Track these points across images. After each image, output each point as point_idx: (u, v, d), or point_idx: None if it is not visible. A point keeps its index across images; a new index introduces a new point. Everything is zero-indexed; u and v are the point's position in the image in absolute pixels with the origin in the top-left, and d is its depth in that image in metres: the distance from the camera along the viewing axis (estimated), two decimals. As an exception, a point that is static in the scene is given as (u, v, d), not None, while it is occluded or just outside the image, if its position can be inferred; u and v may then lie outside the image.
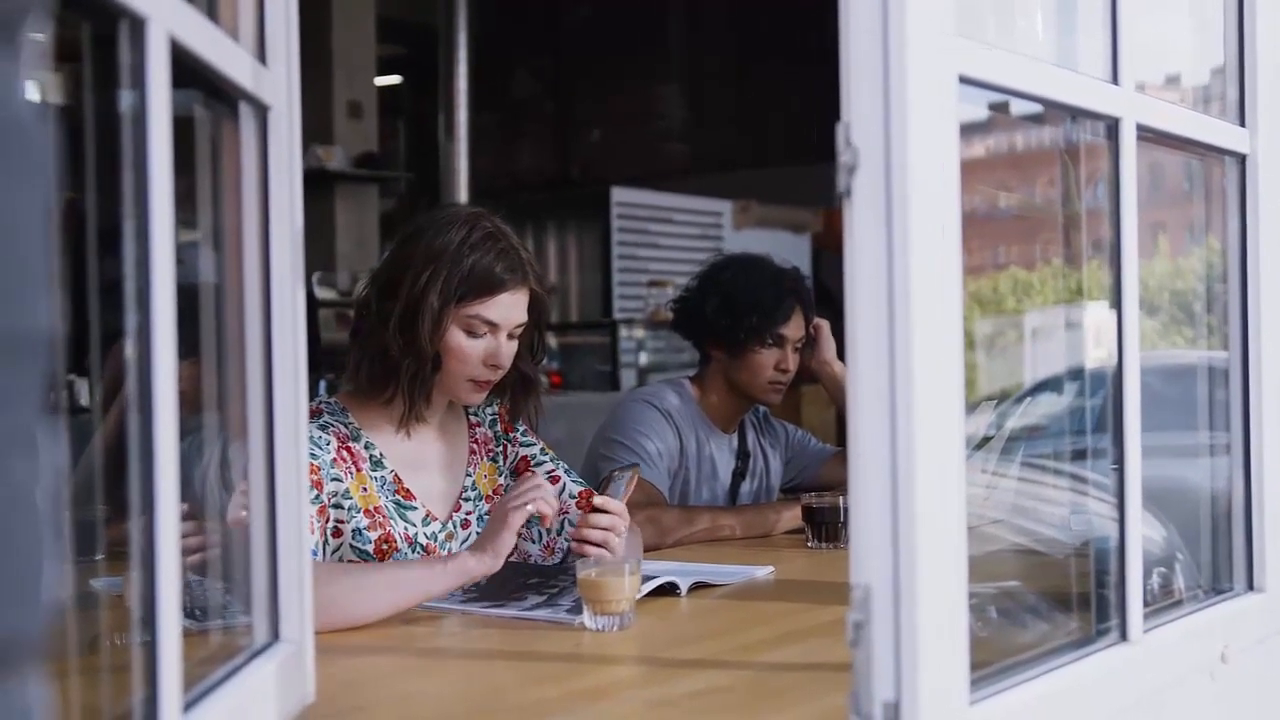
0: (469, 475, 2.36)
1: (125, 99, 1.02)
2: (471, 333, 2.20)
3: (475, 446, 2.39)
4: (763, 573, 2.36)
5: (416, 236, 2.22)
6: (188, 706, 1.10)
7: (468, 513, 2.34)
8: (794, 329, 3.03)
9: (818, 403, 6.57)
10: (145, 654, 1.02)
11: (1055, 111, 1.61)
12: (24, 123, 0.57)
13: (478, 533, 2.30)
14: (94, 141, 1.07)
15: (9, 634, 0.56)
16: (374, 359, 2.22)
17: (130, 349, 1.02)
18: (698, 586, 2.20)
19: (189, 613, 1.25)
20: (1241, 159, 1.83)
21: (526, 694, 1.59)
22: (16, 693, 0.56)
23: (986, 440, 2.15)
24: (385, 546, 2.18)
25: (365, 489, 2.20)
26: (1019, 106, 1.54)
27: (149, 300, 1.01)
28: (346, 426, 2.23)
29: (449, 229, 2.20)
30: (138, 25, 1.00)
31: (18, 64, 0.57)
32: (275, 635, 1.38)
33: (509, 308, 2.22)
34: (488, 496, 2.37)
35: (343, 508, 2.15)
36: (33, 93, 0.59)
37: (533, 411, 2.38)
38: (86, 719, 1.19)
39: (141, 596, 1.02)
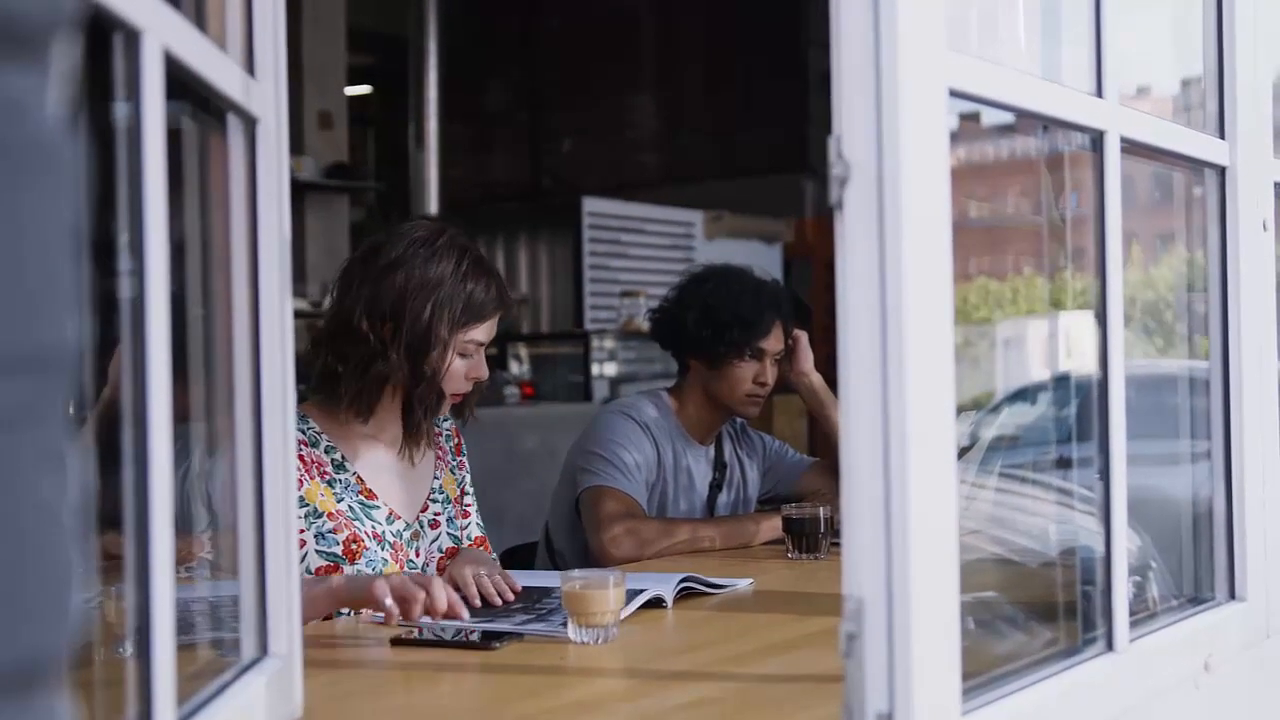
0: (436, 478, 2.44)
1: (119, 110, 1.01)
2: (463, 355, 2.31)
3: (440, 452, 2.48)
4: (744, 584, 2.36)
5: (402, 264, 2.26)
6: (180, 723, 1.09)
7: (435, 513, 2.42)
8: (774, 342, 3.03)
9: (789, 412, 6.58)
10: (139, 669, 1.01)
11: (1027, 122, 1.62)
12: (53, 140, 0.57)
13: (448, 533, 2.42)
14: (85, 153, 1.06)
15: (43, 652, 0.56)
16: (375, 385, 2.27)
17: (124, 361, 1.01)
18: (685, 593, 2.20)
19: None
20: (1221, 171, 1.84)
21: (514, 708, 1.58)
22: (50, 710, 0.56)
23: (964, 451, 2.16)
24: (354, 546, 2.24)
25: (324, 494, 2.25)
26: (989, 116, 1.55)
27: (144, 311, 1.00)
28: (304, 432, 2.28)
29: (437, 259, 2.27)
30: (132, 37, 0.99)
31: (46, 80, 0.56)
32: (264, 650, 1.37)
33: (494, 326, 2.35)
34: (454, 500, 2.46)
35: (300, 516, 2.18)
36: (61, 108, 0.58)
37: (473, 406, 2.45)
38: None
39: (136, 611, 1.01)
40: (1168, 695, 1.65)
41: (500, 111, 10.48)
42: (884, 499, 1.17)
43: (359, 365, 2.26)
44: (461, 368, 2.31)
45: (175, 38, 1.07)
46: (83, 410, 1.29)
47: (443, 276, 2.26)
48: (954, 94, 1.26)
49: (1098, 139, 1.54)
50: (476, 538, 2.47)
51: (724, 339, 3.00)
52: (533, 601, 2.14)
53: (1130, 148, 1.59)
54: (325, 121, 7.65)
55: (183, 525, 1.51)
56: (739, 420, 3.22)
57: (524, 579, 2.27)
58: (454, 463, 2.51)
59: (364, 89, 10.24)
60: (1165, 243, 2.12)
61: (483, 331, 2.32)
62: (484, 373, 2.35)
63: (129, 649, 1.11)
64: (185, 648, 1.38)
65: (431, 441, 2.42)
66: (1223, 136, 1.85)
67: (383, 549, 2.27)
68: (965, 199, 1.83)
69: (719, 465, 3.17)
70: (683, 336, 3.08)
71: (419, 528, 2.38)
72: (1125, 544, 1.55)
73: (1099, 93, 1.54)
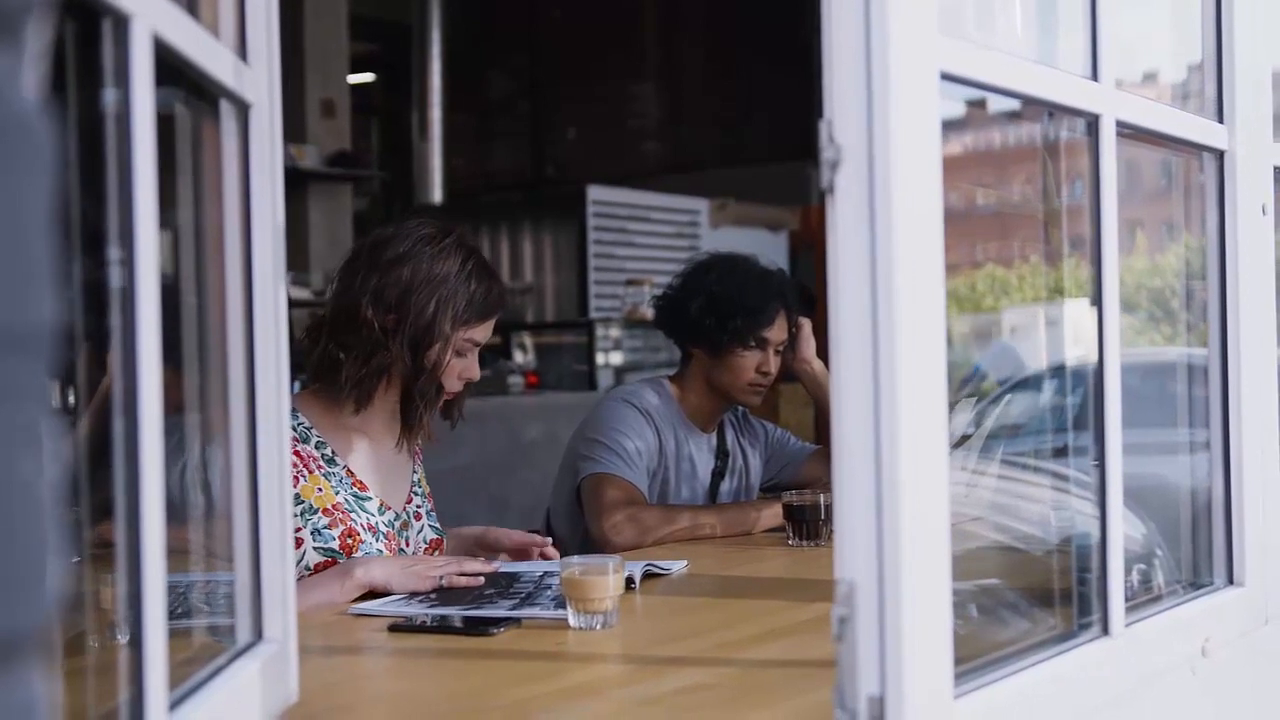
0: (415, 472, 2.49)
1: (108, 96, 1.01)
2: (460, 353, 2.34)
3: (417, 450, 2.52)
4: (679, 566, 2.39)
5: (408, 259, 2.30)
6: (173, 706, 1.09)
7: (418, 506, 2.47)
8: (777, 332, 3.03)
9: (795, 401, 6.58)
10: (131, 654, 1.02)
11: (1033, 108, 1.61)
12: (28, 120, 0.57)
13: (430, 525, 2.47)
14: (74, 139, 1.06)
15: (18, 626, 0.56)
16: (375, 375, 2.30)
17: (113, 350, 1.02)
18: (649, 576, 2.26)
19: (171, 613, 1.24)
20: (1219, 155, 1.83)
21: (510, 693, 1.58)
22: (22, 686, 0.56)
23: (965, 438, 2.15)
24: (350, 541, 2.27)
25: (320, 489, 2.28)
26: (996, 103, 1.54)
27: (134, 300, 1.01)
28: (295, 429, 2.29)
29: (444, 256, 2.31)
30: (121, 23, 0.99)
31: (20, 61, 0.57)
32: (259, 635, 1.38)
33: (490, 328, 2.39)
34: (428, 494, 2.52)
35: (296, 514, 2.19)
36: (35, 90, 0.59)
37: (463, 405, 2.48)
38: (70, 720, 1.18)
39: (128, 598, 1.01)
40: (1163, 680, 1.65)
41: (503, 100, 10.49)
42: (875, 482, 1.17)
43: (361, 354, 2.28)
44: (456, 366, 2.34)
45: (165, 23, 1.07)
46: (69, 398, 1.29)
47: (448, 274, 2.30)
48: (946, 78, 1.25)
49: (1093, 123, 1.53)
50: (432, 540, 2.48)
51: (727, 328, 2.99)
52: (505, 587, 2.15)
53: (1126, 132, 1.59)
54: (328, 110, 7.65)
55: (186, 515, 1.52)
56: (741, 408, 3.22)
57: (504, 567, 2.32)
58: (422, 461, 2.56)
59: (367, 77, 10.24)
60: (1172, 230, 2.12)
61: (481, 331, 2.35)
62: (475, 374, 2.39)
63: (127, 634, 1.11)
64: (181, 632, 1.39)
65: (429, 434, 2.45)
66: (1221, 120, 1.84)
67: (377, 540, 2.30)
68: (972, 186, 1.83)
69: (721, 453, 3.17)
70: (686, 324, 3.08)
71: (407, 518, 2.42)
72: (1121, 529, 1.55)
73: (1094, 76, 1.53)
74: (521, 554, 2.45)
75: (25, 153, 0.57)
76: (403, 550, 2.37)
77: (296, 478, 2.23)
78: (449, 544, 2.53)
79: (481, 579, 2.17)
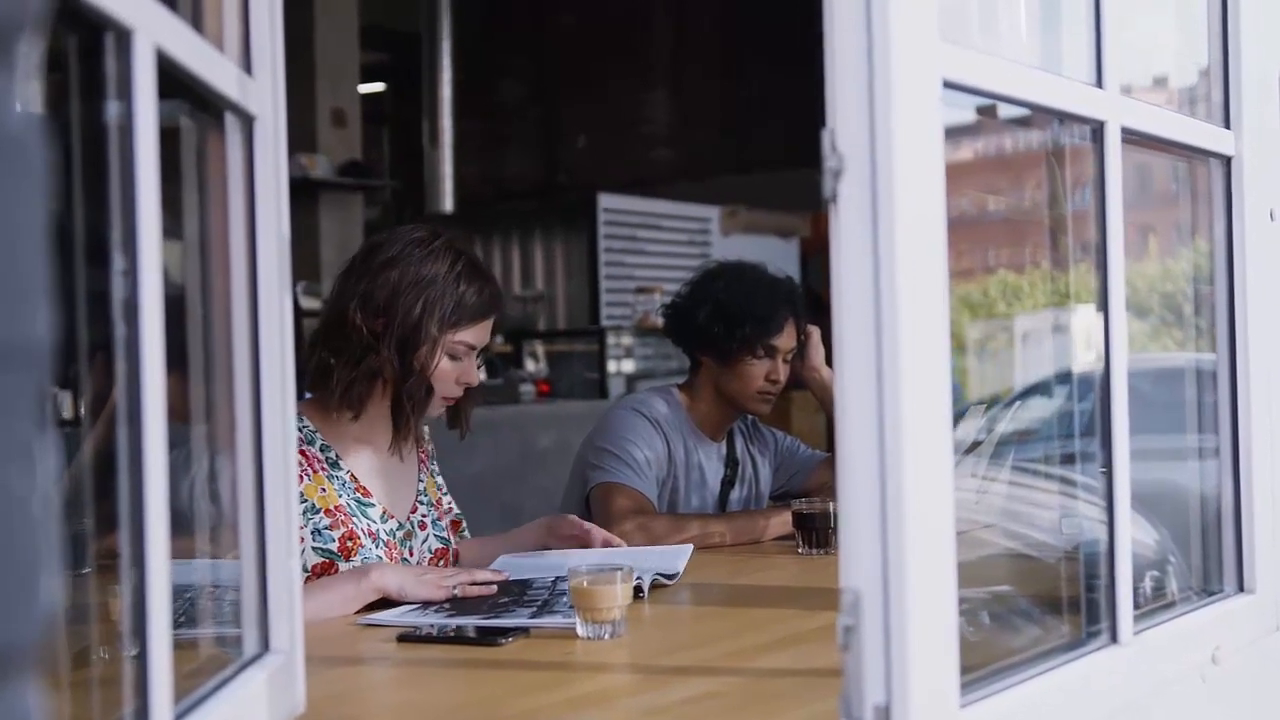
0: (420, 481, 2.48)
1: (111, 109, 1.02)
2: (453, 356, 2.34)
3: (423, 457, 2.52)
4: (684, 556, 2.41)
5: (398, 262, 2.30)
6: (178, 718, 1.09)
7: (423, 515, 2.46)
8: (786, 340, 3.03)
9: (807, 408, 6.58)
10: (136, 665, 1.02)
11: (1041, 115, 1.61)
12: (20, 134, 0.57)
13: (435, 535, 2.46)
14: (78, 152, 1.06)
15: (9, 643, 0.56)
16: (365, 379, 2.30)
17: (118, 361, 1.02)
18: (657, 586, 2.25)
19: (177, 623, 1.24)
20: (1226, 161, 1.83)
21: (519, 703, 1.58)
22: (15, 701, 0.56)
23: (976, 444, 2.15)
24: (350, 544, 2.27)
25: (324, 490, 2.29)
26: (1006, 110, 1.54)
27: (137, 312, 1.01)
28: (300, 431, 2.29)
29: (432, 259, 2.31)
30: (124, 36, 1.00)
31: (13, 76, 0.57)
32: (265, 646, 1.38)
33: (487, 331, 2.38)
34: (435, 504, 2.50)
35: (298, 512, 2.20)
36: (28, 104, 0.59)
37: (470, 415, 2.47)
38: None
39: (132, 608, 1.02)
40: (1173, 688, 1.65)
41: (514, 108, 10.48)
42: (880, 491, 1.17)
43: (351, 359, 2.28)
44: (451, 370, 2.33)
45: (168, 36, 1.08)
46: (79, 410, 1.29)
47: (436, 275, 2.30)
48: (948, 85, 1.25)
49: (1098, 129, 1.53)
50: (437, 549, 2.49)
51: (736, 336, 2.99)
52: (519, 595, 2.15)
53: (1132, 138, 1.59)
54: (339, 119, 7.65)
55: (195, 527, 1.52)
56: (750, 416, 3.22)
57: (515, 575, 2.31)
58: (433, 467, 2.56)
59: (377, 86, 10.25)
60: (1184, 235, 2.11)
61: (472, 334, 2.34)
62: (473, 378, 2.37)
63: (136, 648, 1.12)
64: (187, 642, 1.39)
65: (421, 440, 2.45)
66: (1228, 126, 1.83)
67: (377, 547, 2.30)
68: (985, 192, 1.83)
69: (731, 461, 3.17)
70: (695, 332, 3.08)
71: (411, 528, 2.42)
72: (1129, 536, 1.55)
73: (1099, 83, 1.53)
74: (583, 543, 2.48)
75: (18, 168, 0.57)
76: (405, 560, 2.36)
77: (300, 476, 2.23)
78: (476, 553, 2.53)
79: (494, 588, 2.17)
